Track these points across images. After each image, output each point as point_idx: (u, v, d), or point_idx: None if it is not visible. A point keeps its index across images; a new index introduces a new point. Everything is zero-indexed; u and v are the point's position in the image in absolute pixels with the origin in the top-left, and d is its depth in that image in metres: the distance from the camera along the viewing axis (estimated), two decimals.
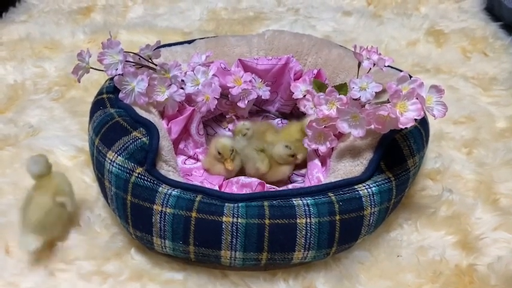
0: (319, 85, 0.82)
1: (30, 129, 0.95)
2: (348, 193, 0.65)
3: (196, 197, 0.63)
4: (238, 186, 0.79)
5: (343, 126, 0.68)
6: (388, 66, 0.77)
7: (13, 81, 1.11)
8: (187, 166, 0.86)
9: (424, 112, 0.63)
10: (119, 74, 0.75)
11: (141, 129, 0.69)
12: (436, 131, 0.94)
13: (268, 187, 0.78)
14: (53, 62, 1.18)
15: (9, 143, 0.91)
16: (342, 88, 0.79)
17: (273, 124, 0.96)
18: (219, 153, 0.80)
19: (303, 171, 0.85)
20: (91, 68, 0.77)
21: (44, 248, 0.70)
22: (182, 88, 0.82)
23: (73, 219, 0.76)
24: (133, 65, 0.78)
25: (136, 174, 0.65)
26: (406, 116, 0.61)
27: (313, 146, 0.76)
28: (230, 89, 0.87)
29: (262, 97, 0.91)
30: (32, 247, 0.69)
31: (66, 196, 0.72)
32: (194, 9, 1.45)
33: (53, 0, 1.49)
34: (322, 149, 0.75)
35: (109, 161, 0.67)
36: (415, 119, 0.62)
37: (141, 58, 0.79)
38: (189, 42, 0.97)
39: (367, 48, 0.76)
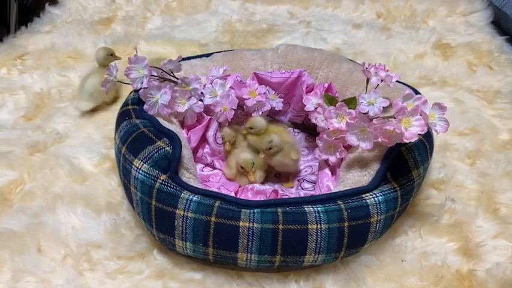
0: (330, 99, 0.84)
1: (57, 135, 0.99)
2: (356, 201, 0.67)
3: (215, 202, 0.66)
4: (253, 193, 0.82)
5: (352, 139, 0.72)
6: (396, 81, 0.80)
7: (39, 90, 1.15)
8: (205, 173, 0.90)
9: (428, 127, 0.66)
10: (144, 87, 0.79)
11: (165, 139, 0.73)
12: (441, 142, 0.96)
13: (281, 194, 0.82)
14: (76, 72, 1.22)
15: (38, 149, 0.95)
16: (351, 102, 0.82)
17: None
18: (242, 167, 0.84)
19: (313, 178, 0.89)
20: (118, 81, 0.82)
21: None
22: (201, 100, 0.86)
23: (117, 95, 1.12)
24: (157, 79, 0.82)
25: (161, 181, 0.69)
26: (411, 131, 0.65)
27: (324, 157, 0.79)
28: (245, 101, 0.91)
29: (276, 108, 0.94)
30: (86, 109, 1.06)
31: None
32: (210, 21, 1.48)
33: (75, 11, 1.54)
34: (332, 159, 0.78)
35: (135, 169, 0.70)
36: (419, 134, 0.65)
37: (163, 72, 0.83)
38: (207, 55, 1.00)
39: (375, 65, 0.79)
